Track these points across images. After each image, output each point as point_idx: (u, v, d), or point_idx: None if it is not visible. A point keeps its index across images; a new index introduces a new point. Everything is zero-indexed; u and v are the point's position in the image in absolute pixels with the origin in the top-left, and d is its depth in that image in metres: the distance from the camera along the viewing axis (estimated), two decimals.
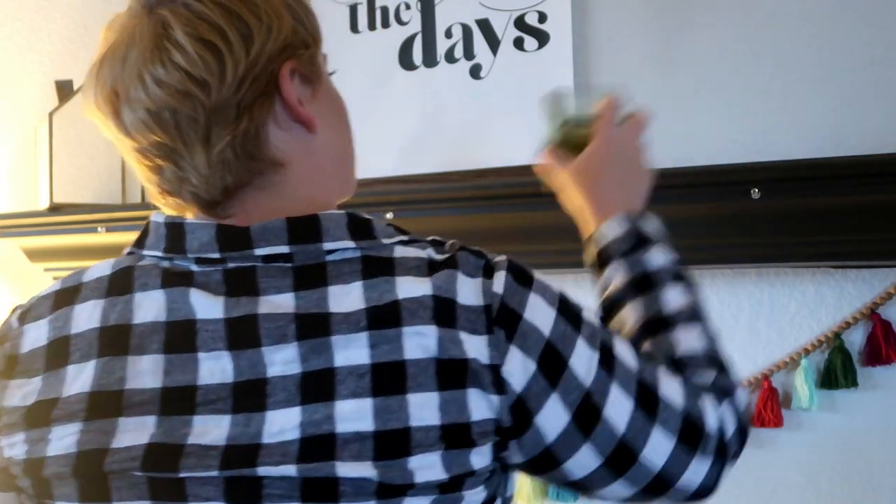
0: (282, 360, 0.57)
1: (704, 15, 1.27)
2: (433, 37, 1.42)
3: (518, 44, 1.36)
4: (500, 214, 1.19)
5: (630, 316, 0.71)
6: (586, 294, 1.35)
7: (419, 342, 0.56)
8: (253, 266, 0.60)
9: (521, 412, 0.58)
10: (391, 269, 0.59)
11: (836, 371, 1.18)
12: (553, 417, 0.59)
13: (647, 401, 0.61)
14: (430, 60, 1.42)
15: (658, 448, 0.61)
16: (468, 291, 0.59)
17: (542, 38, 1.35)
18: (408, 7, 1.44)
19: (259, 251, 0.60)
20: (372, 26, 1.46)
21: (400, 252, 0.60)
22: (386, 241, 0.61)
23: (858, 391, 1.19)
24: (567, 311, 0.62)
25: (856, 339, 1.20)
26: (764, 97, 1.24)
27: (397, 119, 1.44)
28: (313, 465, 0.55)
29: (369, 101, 1.46)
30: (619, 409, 0.60)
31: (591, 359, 0.60)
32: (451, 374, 0.56)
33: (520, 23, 1.36)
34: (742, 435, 0.67)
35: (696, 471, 0.63)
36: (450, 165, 1.38)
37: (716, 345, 0.70)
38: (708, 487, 0.64)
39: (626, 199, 0.78)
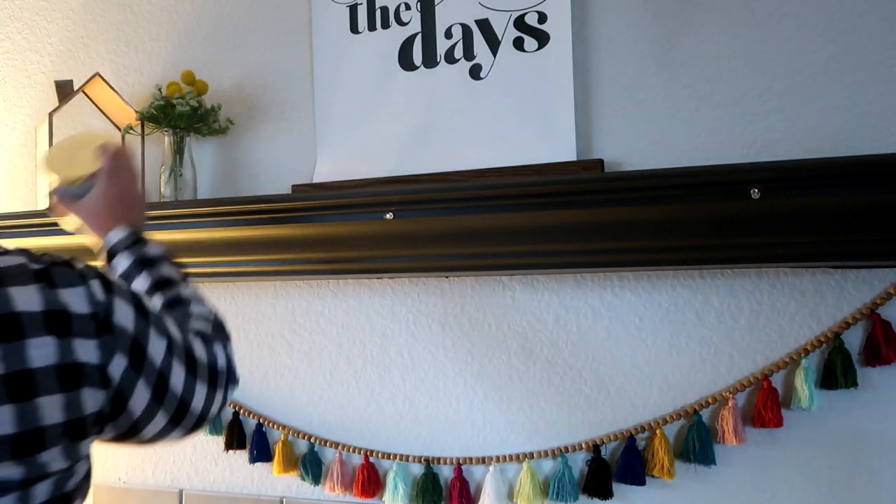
0: None
1: (704, 15, 1.27)
2: (433, 37, 1.42)
3: (518, 44, 1.36)
4: (500, 214, 1.19)
5: (141, 285, 0.94)
6: (586, 293, 1.36)
7: (41, 352, 0.64)
8: None
9: (119, 401, 0.71)
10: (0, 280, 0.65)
11: (836, 371, 1.19)
12: (140, 398, 0.73)
13: (191, 365, 0.79)
14: (430, 60, 1.42)
15: (199, 396, 0.79)
16: (76, 300, 0.68)
17: (542, 39, 1.35)
18: (408, 7, 1.44)
19: None
20: (372, 26, 1.46)
21: (1, 262, 0.66)
22: None
23: (858, 391, 1.19)
24: (139, 306, 0.75)
25: (856, 339, 1.20)
26: (764, 97, 1.24)
27: (397, 119, 1.44)
28: None
29: (369, 101, 1.46)
30: (178, 378, 0.77)
31: (160, 345, 0.75)
32: (70, 377, 0.66)
33: (520, 23, 1.36)
34: (234, 365, 0.88)
35: (216, 401, 0.83)
36: (450, 165, 1.38)
37: (207, 305, 0.94)
38: (221, 408, 0.85)
39: (127, 221, 1.01)
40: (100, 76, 1.54)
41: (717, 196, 1.08)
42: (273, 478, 1.55)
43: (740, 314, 1.26)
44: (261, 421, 1.54)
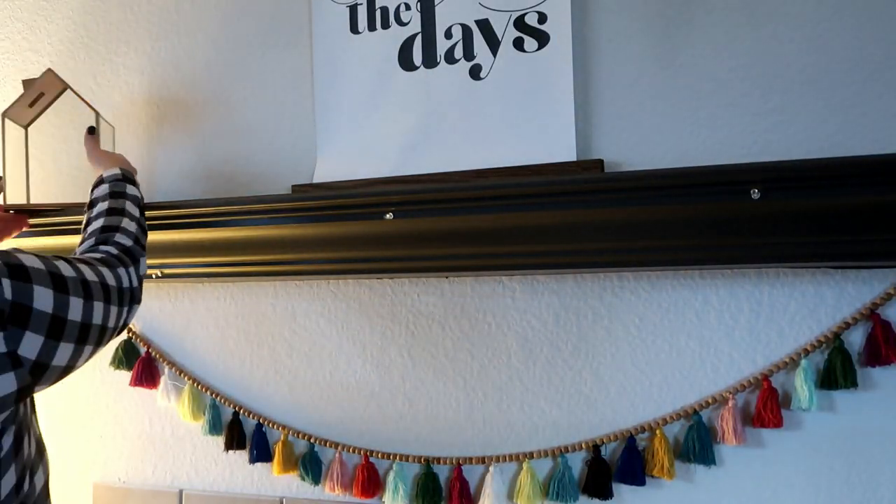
0: None
1: (704, 15, 1.27)
2: (433, 37, 1.42)
3: (518, 44, 1.36)
4: (500, 214, 1.19)
5: (101, 207, 1.18)
6: (586, 293, 1.36)
7: None
8: None
9: (40, 368, 0.82)
10: None
11: (836, 371, 1.19)
12: (61, 355, 0.85)
13: (92, 292, 0.91)
14: (430, 61, 1.42)
15: (104, 314, 0.92)
16: None
17: (542, 39, 1.35)
18: (408, 7, 1.44)
19: None
20: (372, 26, 1.46)
21: None
22: None
23: (858, 391, 1.19)
24: (57, 283, 0.85)
25: (855, 340, 1.20)
26: (764, 97, 1.24)
27: (397, 119, 1.44)
28: None
29: (369, 101, 1.46)
30: (77, 312, 0.87)
31: (76, 304, 0.87)
32: None
33: (520, 23, 1.36)
34: (141, 283, 1.06)
35: (123, 316, 0.99)
36: (450, 165, 1.38)
37: (130, 236, 1.13)
38: (128, 322, 1.02)
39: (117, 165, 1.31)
40: (51, 71, 1.51)
41: (717, 196, 1.08)
42: (273, 478, 1.55)
43: (740, 314, 1.26)
44: (261, 421, 1.54)
